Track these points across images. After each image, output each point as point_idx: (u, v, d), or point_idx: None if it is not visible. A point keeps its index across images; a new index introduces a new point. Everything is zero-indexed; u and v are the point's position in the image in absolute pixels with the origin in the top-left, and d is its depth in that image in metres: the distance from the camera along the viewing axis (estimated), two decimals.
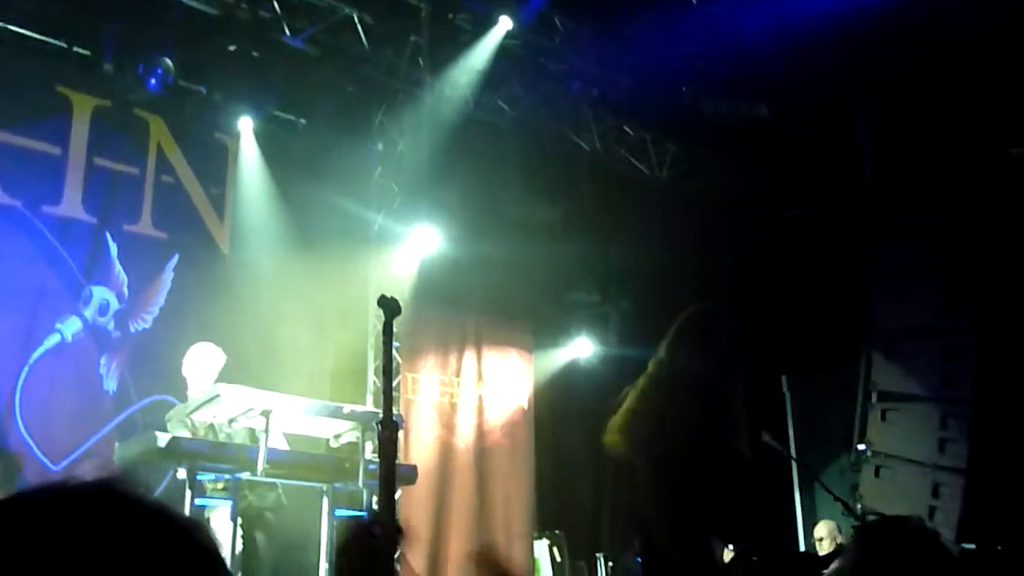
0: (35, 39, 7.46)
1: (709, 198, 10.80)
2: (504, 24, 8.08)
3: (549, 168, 9.45)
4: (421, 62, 8.52)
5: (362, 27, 8.11)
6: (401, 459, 8.22)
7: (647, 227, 10.02)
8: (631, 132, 10.07)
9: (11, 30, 7.32)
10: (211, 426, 6.01)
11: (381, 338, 4.33)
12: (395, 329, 4.20)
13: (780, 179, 10.72)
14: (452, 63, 8.27)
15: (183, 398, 6.51)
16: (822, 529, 8.13)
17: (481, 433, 9.38)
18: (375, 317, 8.46)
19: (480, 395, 9.48)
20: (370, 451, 6.00)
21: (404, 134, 8.90)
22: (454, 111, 8.56)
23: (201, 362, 6.45)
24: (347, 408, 6.13)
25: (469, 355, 9.50)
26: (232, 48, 7.82)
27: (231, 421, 5.91)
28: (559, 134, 9.74)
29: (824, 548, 7.98)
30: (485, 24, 8.11)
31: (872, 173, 9.78)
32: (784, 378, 11.10)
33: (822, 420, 10.53)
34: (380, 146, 9.03)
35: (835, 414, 10.22)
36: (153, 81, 7.38)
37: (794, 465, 9.86)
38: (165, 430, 5.92)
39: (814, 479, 8.93)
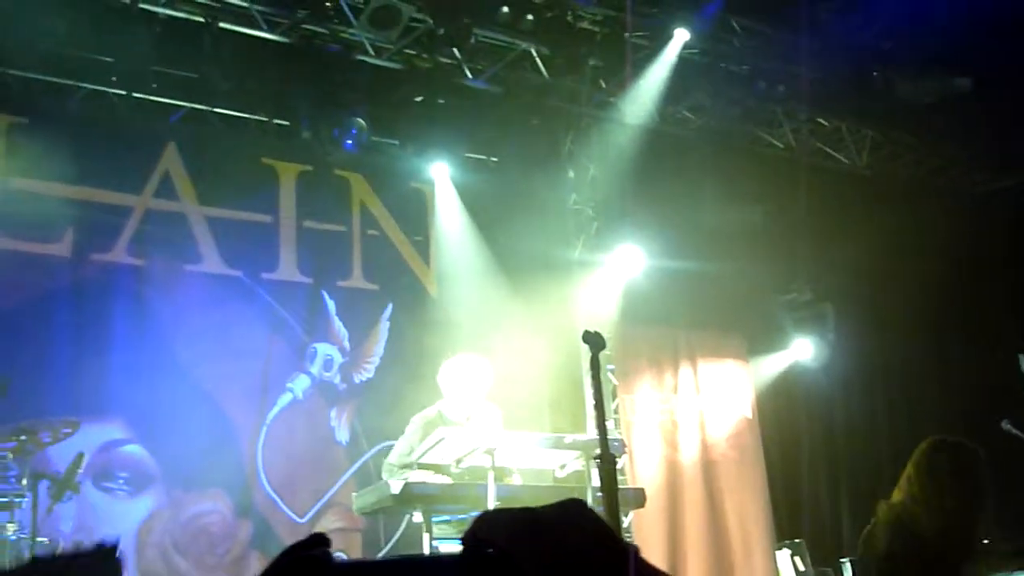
0: (237, 117, 7.91)
1: (913, 180, 10.36)
2: (680, 36, 8.00)
3: (744, 171, 9.27)
4: (602, 85, 8.55)
5: (540, 59, 8.20)
6: (628, 482, 8.25)
7: (852, 218, 9.70)
8: (825, 123, 9.79)
9: (215, 112, 7.78)
10: (436, 467, 6.15)
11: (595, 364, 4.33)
12: (608, 352, 4.20)
13: (987, 151, 10.18)
14: (633, 81, 8.24)
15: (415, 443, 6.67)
16: None
17: (706, 447, 9.24)
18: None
19: (700, 409, 9.35)
20: (596, 478, 6.01)
21: (594, 159, 8.93)
22: (640, 128, 8.53)
23: (465, 374, 6.48)
24: (568, 438, 6.15)
25: (685, 370, 9.39)
26: (419, 98, 8.04)
27: (458, 462, 6.03)
28: (750, 136, 9.57)
29: None
30: (661, 38, 8.05)
31: None
32: (1021, 357, 10.48)
33: None
34: (571, 173, 9.10)
35: None
36: (349, 142, 7.68)
37: None
38: (398, 476, 6.11)
39: None
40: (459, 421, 6.27)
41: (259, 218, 7.93)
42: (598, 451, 4.06)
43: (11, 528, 5.27)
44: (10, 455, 5.45)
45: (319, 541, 1.22)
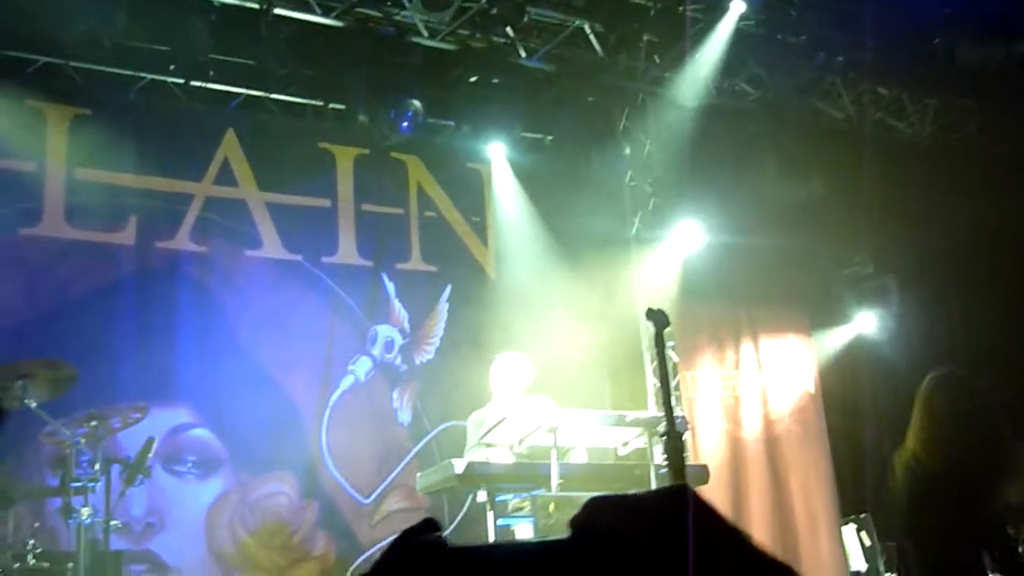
0: (294, 102, 7.97)
1: (976, 149, 10.16)
2: (737, 8, 7.90)
3: (803, 144, 9.15)
4: (657, 60, 8.48)
5: (594, 36, 8.15)
6: (691, 459, 8.22)
7: (914, 188, 9.53)
8: (886, 93, 9.61)
9: (272, 98, 7.84)
10: (499, 446, 6.18)
11: (654, 342, 4.33)
12: (669, 329, 4.19)
13: None
14: (688, 56, 8.17)
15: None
16: None
17: (769, 423, 9.18)
18: (646, 321, 8.48)
19: (763, 385, 9.28)
20: (658, 455, 6.00)
21: (650, 135, 8.88)
22: (697, 103, 8.45)
23: (506, 372, 6.56)
24: (630, 416, 6.15)
25: (746, 345, 9.32)
26: (473, 79, 8.05)
27: (521, 441, 6.06)
28: (809, 108, 9.43)
29: None
30: (716, 11, 7.96)
31: None
32: None
33: None
34: (627, 150, 9.05)
35: None
36: (405, 124, 7.70)
37: None
38: (461, 455, 6.15)
39: None
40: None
41: (318, 203, 8.00)
42: (661, 428, 4.05)
43: (86, 512, 5.38)
44: (83, 441, 5.56)
45: (431, 526, 1.25)
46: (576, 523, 1.31)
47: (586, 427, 6.12)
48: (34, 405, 5.39)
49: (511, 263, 8.43)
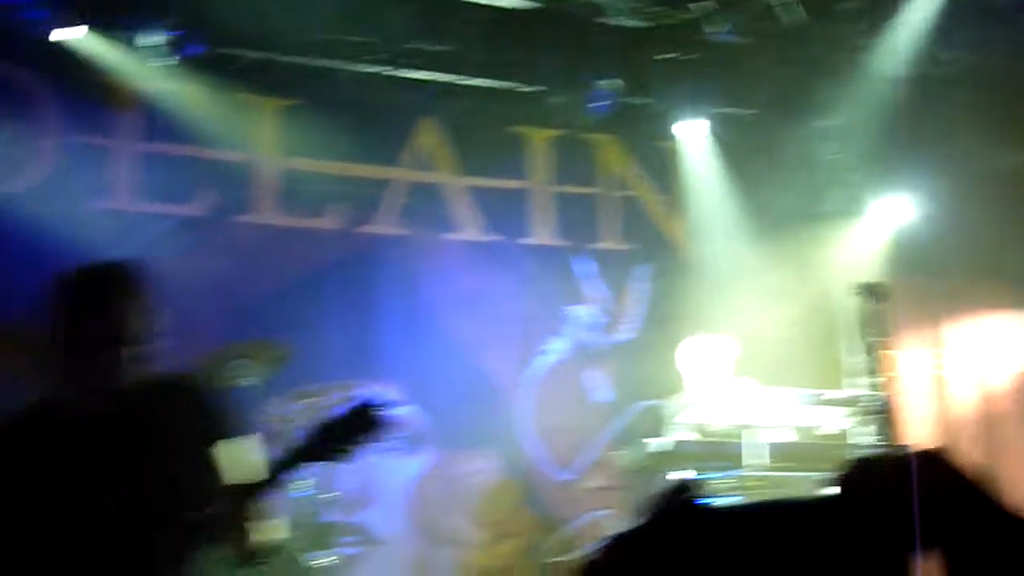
0: (490, 87, 8.09)
1: None
2: None
3: (1015, 112, 8.67)
4: (860, 28, 8.18)
5: (792, 6, 7.93)
6: (898, 439, 7.94)
7: None
8: None
9: (469, 84, 7.99)
10: (698, 425, 6.15)
11: (852, 319, 4.22)
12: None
13: None
14: (892, 23, 7.85)
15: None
16: None
17: (982, 403, 8.78)
18: (844, 298, 8.24)
19: (974, 363, 8.88)
20: (862, 435, 5.85)
21: (852, 106, 8.58)
22: (901, 71, 8.12)
23: (703, 354, 6.54)
24: (832, 394, 6.03)
25: (955, 323, 8.93)
26: (667, 56, 7.98)
27: (720, 419, 6.02)
28: (1020, 72, 8.92)
29: None
30: None
31: None
32: None
33: None
34: (828, 123, 8.78)
35: None
36: (598, 104, 7.73)
37: None
38: (659, 434, 6.16)
39: None
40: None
41: (514, 185, 8.12)
42: (867, 407, 3.95)
43: (304, 484, 5.65)
44: (298, 417, 5.84)
45: (686, 487, 1.29)
46: (845, 480, 1.32)
47: (786, 406, 6.03)
48: (252, 383, 5.69)
49: (707, 240, 8.34)
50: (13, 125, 6.84)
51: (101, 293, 3.10)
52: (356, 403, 3.04)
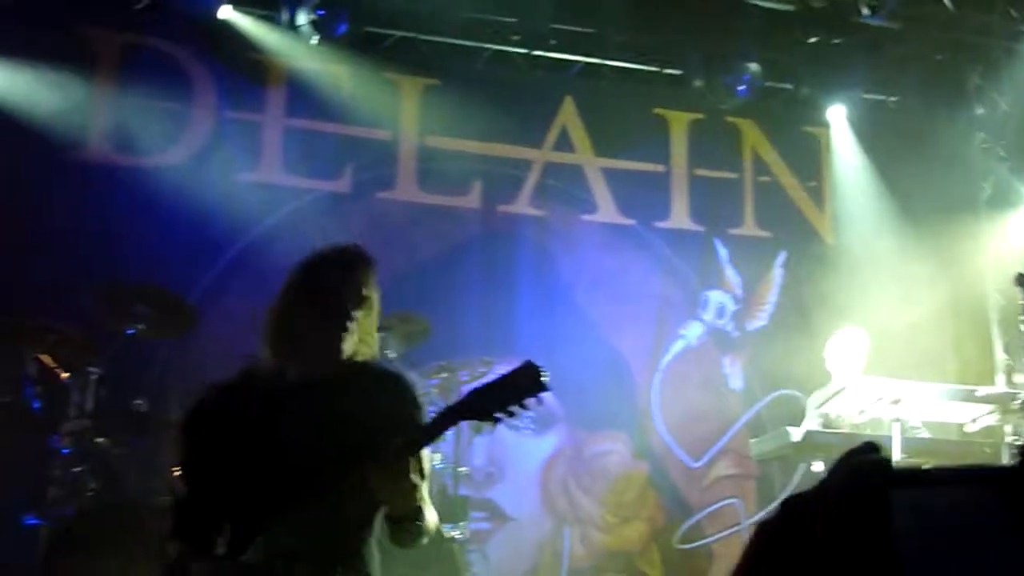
0: (630, 69, 8.06)
1: None
2: None
3: None
4: (1014, 14, 7.89)
5: None
6: None
7: None
8: None
9: (609, 65, 7.97)
10: (837, 417, 6.03)
11: (1006, 313, 4.08)
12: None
13: None
14: None
15: (808, 391, 6.59)
16: None
17: None
18: (996, 291, 8.00)
19: None
20: (1012, 433, 5.66)
21: (1005, 93, 8.27)
22: None
23: (843, 348, 6.43)
24: (981, 391, 5.83)
25: None
26: (813, 39, 7.83)
27: (860, 412, 5.89)
28: None
29: None
30: None
31: None
32: None
33: None
34: (979, 111, 8.49)
35: None
36: (741, 88, 7.64)
37: None
38: (792, 425, 6.06)
39: None
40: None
41: (651, 167, 8.07)
42: (1019, 404, 3.82)
43: (437, 458, 5.74)
44: (434, 391, 5.94)
45: (874, 448, 1.27)
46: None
47: (930, 401, 5.86)
48: (392, 356, 5.80)
49: (849, 229, 8.16)
50: (171, 100, 7.12)
51: (350, 273, 3.24)
52: (520, 363, 3.07)
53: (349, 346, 3.23)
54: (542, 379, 2.97)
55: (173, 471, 3.28)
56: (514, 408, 2.97)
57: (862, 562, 1.20)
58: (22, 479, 5.63)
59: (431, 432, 3.05)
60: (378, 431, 3.05)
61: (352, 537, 3.12)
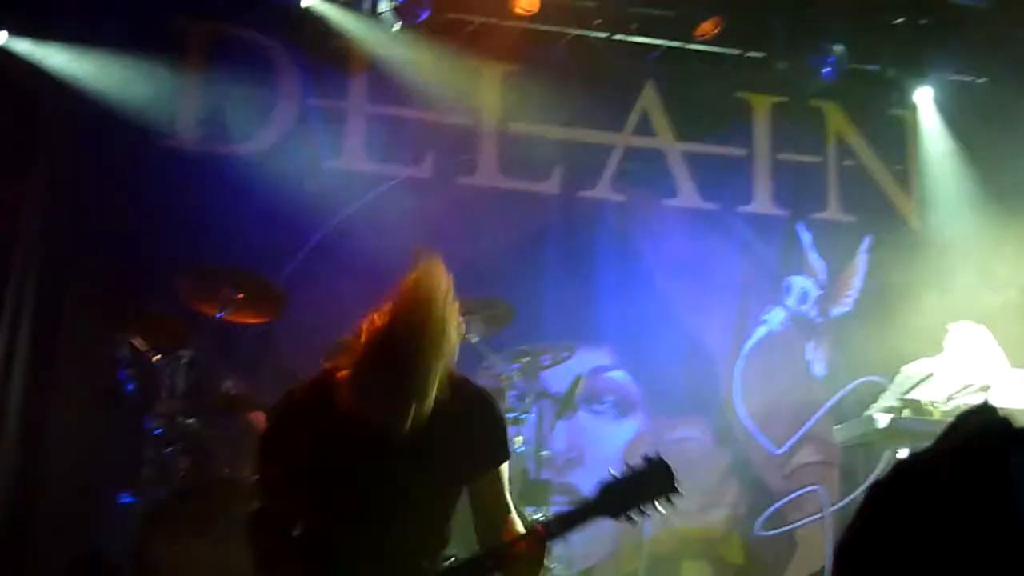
0: (712, 52, 7.97)
1: None
2: None
3: None
4: None
5: None
6: None
7: None
8: None
9: (691, 49, 7.90)
10: (925, 403, 5.94)
11: None
12: None
13: None
14: None
15: (892, 378, 6.49)
16: None
17: None
18: None
19: None
20: None
21: None
22: None
23: (959, 341, 6.32)
24: None
25: None
26: (900, 20, 7.68)
27: (949, 399, 5.81)
28: None
29: None
30: None
31: None
32: None
33: None
34: None
35: None
36: (826, 70, 7.52)
37: None
38: (877, 411, 6.00)
39: None
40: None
41: (734, 152, 7.99)
42: None
43: (519, 441, 5.78)
44: (516, 375, 5.97)
45: (991, 409, 1.27)
46: None
47: (1020, 387, 5.76)
48: (475, 340, 5.84)
49: (937, 214, 7.99)
50: (257, 88, 7.24)
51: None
52: (651, 460, 3.08)
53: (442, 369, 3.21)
54: (674, 482, 3.00)
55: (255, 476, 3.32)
56: (647, 509, 3.00)
57: (981, 521, 1.20)
58: (118, 459, 5.81)
59: (566, 525, 3.09)
60: (468, 460, 3.11)
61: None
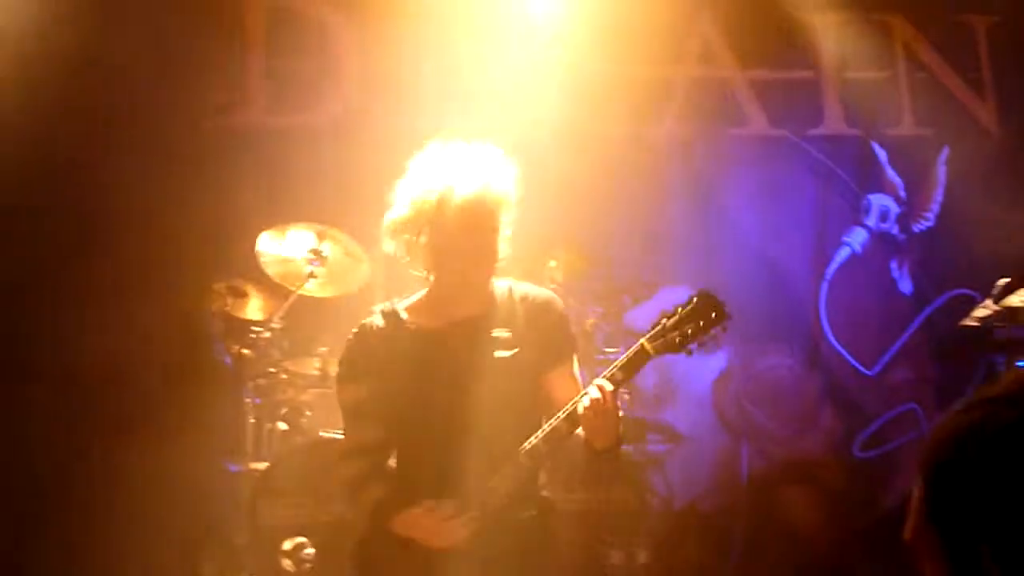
0: None
1: None
2: None
3: None
4: None
5: None
6: None
7: None
8: None
9: None
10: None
11: None
12: None
13: None
14: None
15: (982, 289, 6.37)
16: None
17: None
18: None
19: None
20: None
21: None
22: None
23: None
24: None
25: None
26: None
27: None
28: None
29: None
30: None
31: None
32: None
33: None
34: None
35: None
36: None
37: None
38: (966, 324, 5.90)
39: None
40: None
41: (800, 75, 7.85)
42: None
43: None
44: (599, 316, 6.01)
45: None
46: None
47: None
48: (553, 286, 5.87)
49: (1017, 117, 7.80)
50: (317, 59, 7.26)
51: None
52: (697, 293, 3.11)
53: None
54: (724, 308, 3.02)
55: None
56: (702, 338, 3.02)
57: None
58: (224, 429, 5.97)
59: (627, 369, 3.12)
60: (543, 356, 3.15)
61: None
